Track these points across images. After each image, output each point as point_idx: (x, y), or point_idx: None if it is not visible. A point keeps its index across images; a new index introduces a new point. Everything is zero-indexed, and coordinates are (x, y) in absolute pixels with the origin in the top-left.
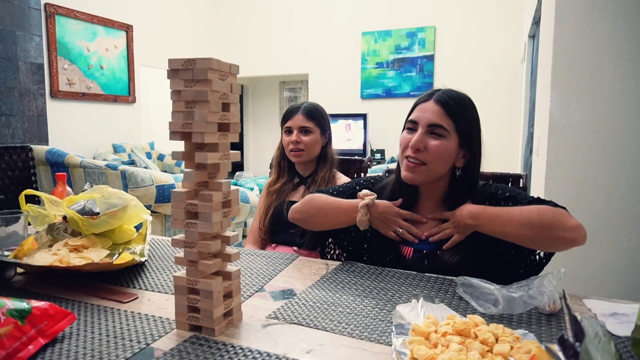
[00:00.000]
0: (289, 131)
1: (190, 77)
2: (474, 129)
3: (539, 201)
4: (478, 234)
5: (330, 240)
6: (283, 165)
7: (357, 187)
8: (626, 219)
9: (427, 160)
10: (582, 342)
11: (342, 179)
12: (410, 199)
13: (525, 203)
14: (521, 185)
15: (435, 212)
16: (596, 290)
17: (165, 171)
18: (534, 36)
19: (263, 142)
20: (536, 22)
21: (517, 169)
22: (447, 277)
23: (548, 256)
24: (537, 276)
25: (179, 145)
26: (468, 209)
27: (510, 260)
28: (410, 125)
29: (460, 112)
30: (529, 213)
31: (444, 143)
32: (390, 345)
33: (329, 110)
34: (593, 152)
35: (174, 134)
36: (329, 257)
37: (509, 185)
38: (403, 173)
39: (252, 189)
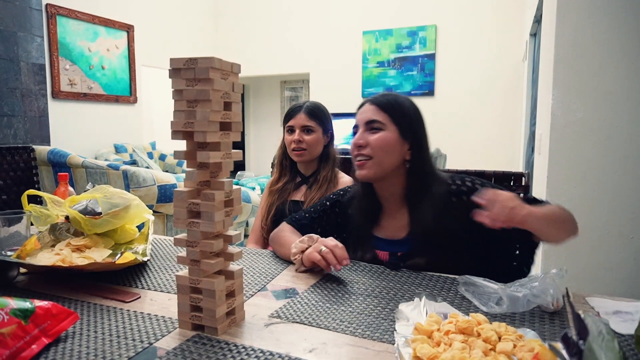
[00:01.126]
0: (291, 130)
1: (192, 77)
2: (415, 121)
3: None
4: (453, 233)
5: None
6: (285, 164)
7: (327, 203)
8: (629, 216)
9: (371, 154)
10: (586, 340)
11: (344, 178)
12: (373, 203)
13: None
14: (523, 183)
15: (399, 211)
16: (599, 289)
17: (166, 171)
18: (535, 34)
19: (264, 141)
20: (537, 20)
21: (519, 167)
22: (450, 275)
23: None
24: (540, 274)
25: (181, 145)
26: (533, 211)
27: (489, 261)
28: (354, 130)
29: (393, 106)
30: (561, 211)
31: (383, 134)
32: (393, 343)
33: (330, 109)
34: (595, 150)
35: (175, 133)
36: None
37: (511, 183)
38: (357, 173)
39: (253, 188)
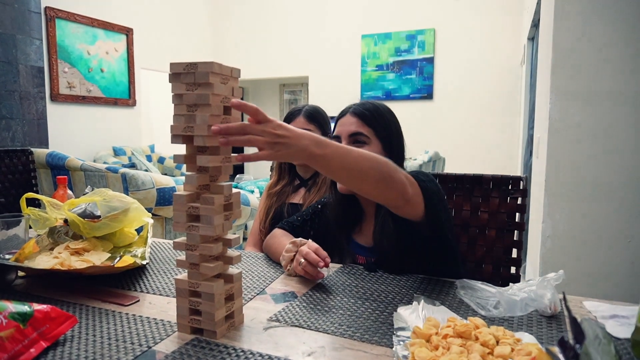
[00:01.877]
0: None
1: (192, 81)
2: (394, 133)
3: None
4: (404, 223)
5: None
6: (284, 167)
7: (318, 205)
8: (626, 220)
9: None
10: (583, 343)
11: None
12: (352, 208)
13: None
14: (521, 187)
15: (376, 214)
16: (596, 292)
17: (165, 174)
18: (533, 38)
19: None
20: (535, 24)
21: (517, 171)
22: (448, 279)
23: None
24: (537, 278)
25: (180, 148)
26: (312, 135)
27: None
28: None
29: (376, 119)
30: (368, 153)
31: (367, 149)
32: (392, 347)
33: (329, 112)
34: (593, 154)
35: (175, 137)
36: None
37: (510, 187)
38: (339, 186)
39: (252, 191)
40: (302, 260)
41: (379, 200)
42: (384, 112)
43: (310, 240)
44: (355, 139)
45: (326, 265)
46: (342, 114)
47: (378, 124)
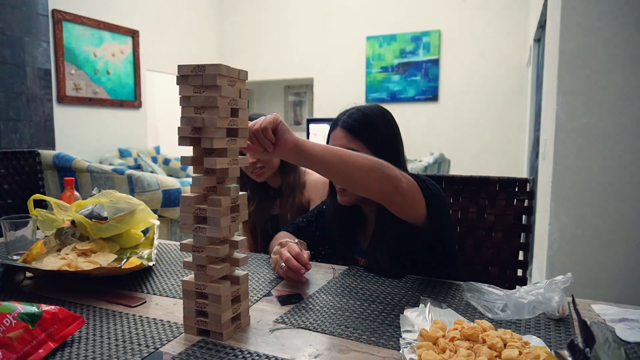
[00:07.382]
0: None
1: (200, 83)
2: (386, 138)
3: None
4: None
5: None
6: (251, 188)
7: (323, 206)
8: (634, 223)
9: None
10: (592, 347)
11: (312, 176)
12: (352, 217)
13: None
14: (528, 189)
15: (376, 221)
16: (603, 296)
17: (170, 175)
18: (539, 40)
19: None
20: (541, 25)
21: (522, 173)
22: (455, 282)
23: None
24: (545, 281)
25: (187, 151)
26: (294, 140)
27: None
28: None
29: (365, 130)
30: (355, 155)
31: None
32: (398, 350)
33: (334, 114)
34: (600, 156)
35: (183, 139)
36: None
37: (516, 189)
38: (338, 198)
39: None
40: (283, 264)
41: (372, 195)
42: (374, 119)
43: (293, 244)
44: None
45: (304, 273)
46: (333, 126)
47: (367, 135)
